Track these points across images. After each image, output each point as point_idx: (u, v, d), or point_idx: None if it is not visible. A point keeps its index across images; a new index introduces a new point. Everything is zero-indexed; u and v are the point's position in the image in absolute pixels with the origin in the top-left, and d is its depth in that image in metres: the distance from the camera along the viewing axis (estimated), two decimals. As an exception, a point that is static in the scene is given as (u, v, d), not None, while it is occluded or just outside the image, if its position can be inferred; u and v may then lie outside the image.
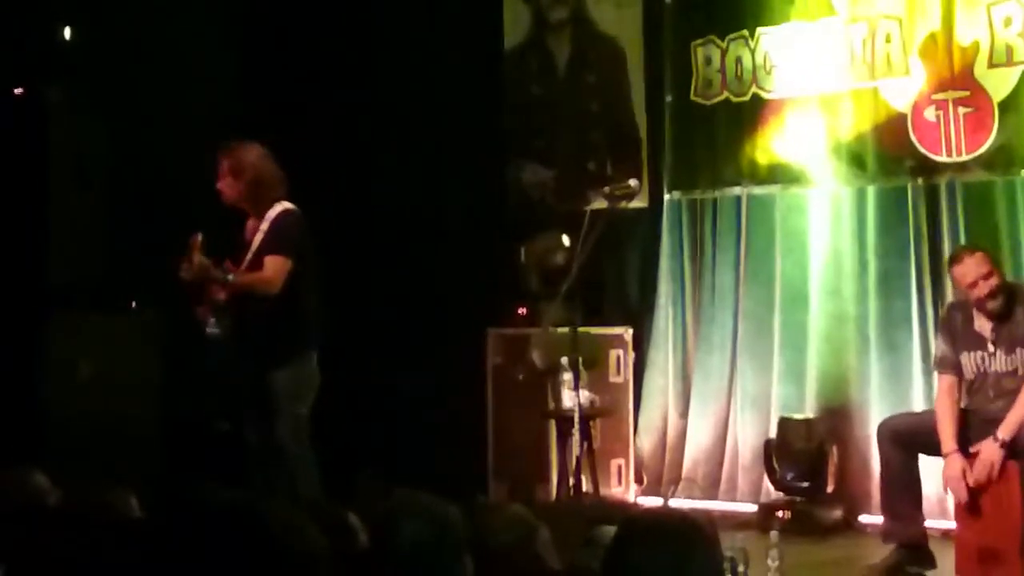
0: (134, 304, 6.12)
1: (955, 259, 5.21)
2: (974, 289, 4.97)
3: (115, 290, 6.08)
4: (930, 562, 4.99)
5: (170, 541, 2.27)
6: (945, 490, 5.13)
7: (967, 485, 4.80)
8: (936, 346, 5.42)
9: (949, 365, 5.10)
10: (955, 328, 5.14)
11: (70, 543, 2.80)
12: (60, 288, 5.97)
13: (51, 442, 5.68)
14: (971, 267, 5.00)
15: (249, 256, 4.92)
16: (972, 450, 4.85)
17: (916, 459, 5.11)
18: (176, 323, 6.01)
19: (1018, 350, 4.90)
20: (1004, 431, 4.73)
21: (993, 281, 4.96)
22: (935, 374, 5.48)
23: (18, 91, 5.99)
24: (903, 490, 5.07)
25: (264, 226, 4.89)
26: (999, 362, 4.98)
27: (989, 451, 4.75)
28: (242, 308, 4.92)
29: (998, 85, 5.66)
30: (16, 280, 5.91)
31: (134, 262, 6.10)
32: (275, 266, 4.79)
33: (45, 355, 5.92)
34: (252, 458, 5.04)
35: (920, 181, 5.94)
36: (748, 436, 6.33)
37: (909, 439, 5.11)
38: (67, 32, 6.06)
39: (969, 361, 5.05)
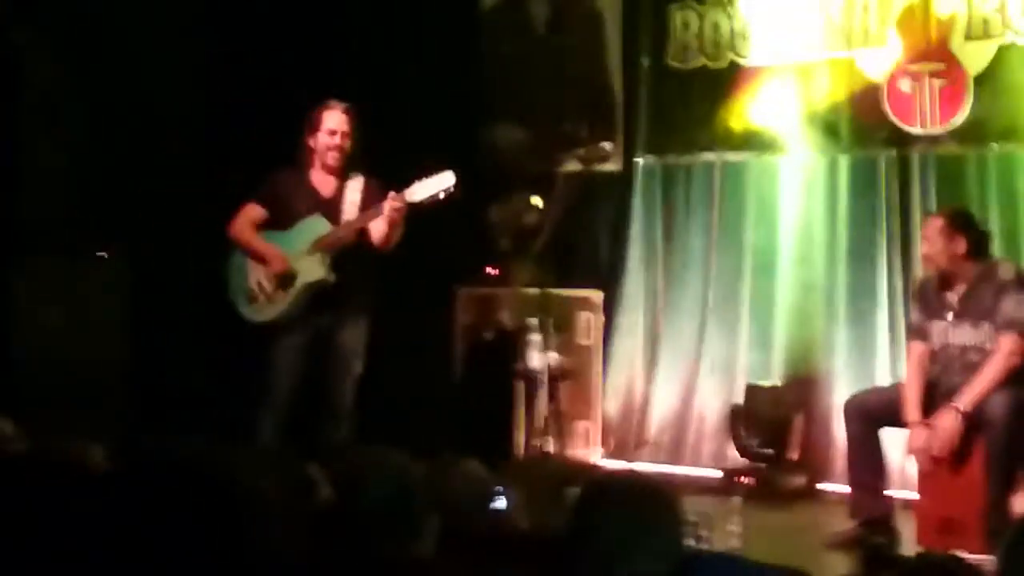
0: (103, 251, 5.97)
1: (928, 224, 5.21)
2: (937, 256, 4.96)
3: (83, 234, 5.96)
4: (894, 536, 5.02)
5: (132, 493, 2.22)
6: (908, 459, 5.17)
7: (929, 452, 4.83)
8: (911, 313, 5.46)
9: (919, 333, 5.13)
10: (927, 295, 5.16)
11: (32, 492, 2.64)
12: (29, 231, 5.85)
13: (21, 390, 5.55)
14: (934, 232, 5.02)
15: (355, 214, 5.10)
16: (935, 418, 4.85)
17: (881, 433, 5.15)
18: (143, 268, 6.06)
19: (985, 324, 4.91)
20: (962, 401, 4.78)
21: (958, 245, 4.93)
22: (901, 345, 5.56)
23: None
24: (870, 467, 5.15)
25: (357, 186, 5.11)
26: (965, 334, 4.99)
27: (947, 420, 4.78)
28: (352, 261, 5.10)
29: (974, 59, 5.68)
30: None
31: (103, 205, 6.01)
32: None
33: (13, 301, 5.79)
34: (325, 419, 5.14)
35: (893, 152, 5.96)
36: (714, 402, 6.38)
37: (876, 415, 5.17)
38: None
39: (936, 330, 5.08)
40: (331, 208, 5.21)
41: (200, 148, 6.59)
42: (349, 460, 2.94)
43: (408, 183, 5.12)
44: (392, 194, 4.98)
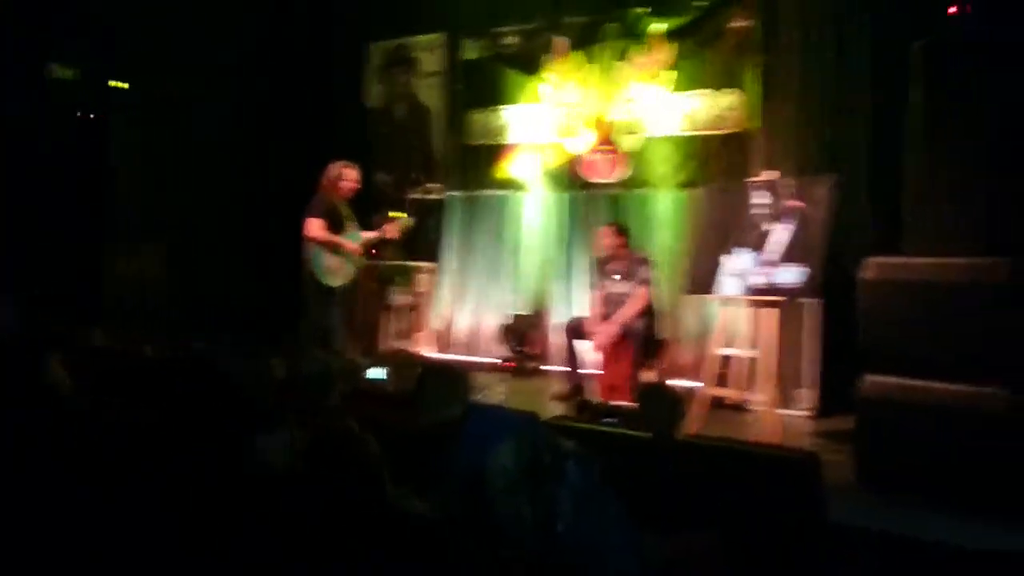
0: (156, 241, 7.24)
1: (602, 230, 6.71)
2: (607, 246, 6.54)
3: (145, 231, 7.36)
4: (585, 392, 6.42)
5: (167, 371, 2.82)
6: (594, 348, 6.52)
7: (603, 350, 6.37)
8: (593, 275, 6.77)
9: (596, 286, 6.65)
10: (601, 266, 6.64)
11: (107, 372, 3.55)
12: (112, 227, 7.25)
13: (106, 312, 7.11)
14: (607, 234, 6.61)
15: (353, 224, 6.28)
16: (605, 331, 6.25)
17: (581, 341, 6.56)
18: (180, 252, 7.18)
19: (628, 281, 6.47)
20: (617, 318, 6.35)
21: (618, 240, 6.55)
22: (592, 292, 6.80)
23: None
24: (573, 358, 6.63)
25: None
26: (620, 287, 6.55)
27: (609, 328, 6.35)
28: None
29: (628, 144, 7.65)
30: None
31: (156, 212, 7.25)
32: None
33: (106, 266, 7.13)
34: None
35: (586, 192, 7.88)
36: (491, 322, 8.27)
37: (577, 330, 6.64)
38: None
39: (606, 285, 6.57)
40: (353, 223, 6.40)
41: (224, 180, 7.88)
42: (295, 355, 3.80)
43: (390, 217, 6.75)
44: (388, 224, 6.59)
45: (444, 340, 8.47)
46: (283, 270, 7.71)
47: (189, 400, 2.52)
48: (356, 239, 6.50)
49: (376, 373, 6.05)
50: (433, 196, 8.57)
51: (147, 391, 2.80)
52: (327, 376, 3.41)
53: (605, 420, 4.27)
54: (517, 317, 7.98)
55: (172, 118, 7.70)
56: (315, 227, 6.26)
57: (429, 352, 8.22)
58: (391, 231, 6.62)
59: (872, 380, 4.61)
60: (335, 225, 6.37)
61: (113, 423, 2.62)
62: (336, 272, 6.35)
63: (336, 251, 6.33)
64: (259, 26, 8.14)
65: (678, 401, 3.87)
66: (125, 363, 3.78)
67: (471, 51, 8.53)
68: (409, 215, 7.35)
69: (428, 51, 8.72)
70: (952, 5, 4.48)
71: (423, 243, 8.15)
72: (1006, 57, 4.41)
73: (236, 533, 2.21)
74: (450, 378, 3.19)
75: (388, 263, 7.91)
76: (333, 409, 3.33)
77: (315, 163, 6.42)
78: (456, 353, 8.20)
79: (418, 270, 8.25)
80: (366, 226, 6.55)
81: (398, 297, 7.81)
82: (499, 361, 7.77)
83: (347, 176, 6.39)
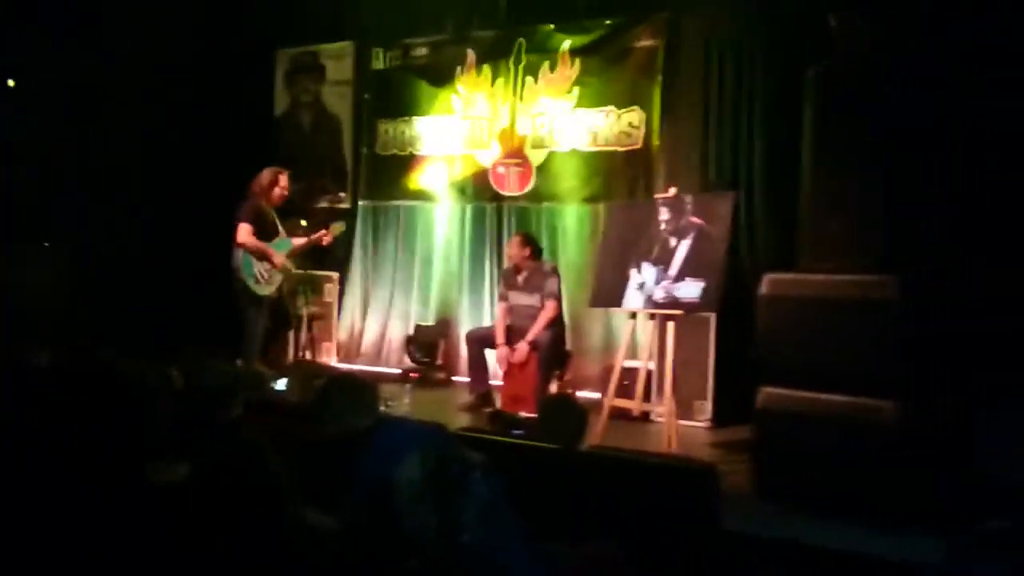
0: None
1: (510, 241, 6.87)
2: (514, 257, 6.67)
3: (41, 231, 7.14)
4: (492, 403, 6.54)
5: (61, 380, 2.50)
6: (498, 364, 6.71)
7: (508, 362, 6.48)
8: (500, 286, 6.95)
9: (503, 297, 6.80)
10: (508, 278, 6.78)
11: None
12: (9, 229, 7.14)
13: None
14: (514, 245, 6.76)
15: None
16: (514, 345, 6.47)
17: (484, 350, 6.77)
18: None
19: (535, 293, 6.62)
20: (529, 336, 6.47)
21: (525, 252, 6.68)
22: (499, 303, 6.97)
23: None
24: (479, 368, 6.80)
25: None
26: (527, 299, 6.69)
27: (523, 346, 6.45)
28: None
29: (536, 157, 7.82)
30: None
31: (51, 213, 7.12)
32: None
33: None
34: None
35: (495, 204, 8.00)
36: (397, 332, 8.37)
37: (482, 341, 6.79)
38: None
39: (513, 296, 6.71)
40: (279, 231, 6.52)
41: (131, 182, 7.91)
42: (194, 364, 3.47)
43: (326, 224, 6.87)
44: (324, 231, 6.75)
45: (350, 350, 8.59)
46: (186, 276, 7.77)
47: (85, 412, 2.37)
48: (286, 247, 6.58)
49: (281, 384, 6.08)
50: (341, 205, 8.65)
51: (41, 402, 2.58)
52: (229, 387, 3.36)
53: (514, 432, 4.32)
54: (423, 327, 8.10)
55: (72, 119, 7.68)
56: (243, 232, 6.32)
57: (334, 363, 8.31)
58: (326, 238, 6.73)
59: (768, 392, 4.74)
60: (265, 232, 6.43)
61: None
62: (264, 280, 6.44)
63: (263, 258, 6.40)
64: (166, 27, 8.15)
65: (582, 413, 3.91)
66: (15, 369, 3.46)
67: (381, 61, 8.61)
68: (311, 223, 7.34)
69: (336, 59, 8.79)
70: (843, 33, 4.62)
71: (330, 253, 8.01)
72: (893, 81, 4.61)
73: (132, 546, 2.15)
74: (356, 389, 3.19)
75: (294, 272, 7.64)
76: (235, 421, 3.30)
77: (221, 168, 6.54)
78: (362, 363, 8.31)
79: (325, 280, 8.29)
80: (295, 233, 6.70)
81: (304, 307, 7.61)
82: (405, 371, 7.84)
83: (280, 182, 6.49)
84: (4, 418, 2.50)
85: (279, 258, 6.49)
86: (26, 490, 2.19)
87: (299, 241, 6.67)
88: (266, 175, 6.49)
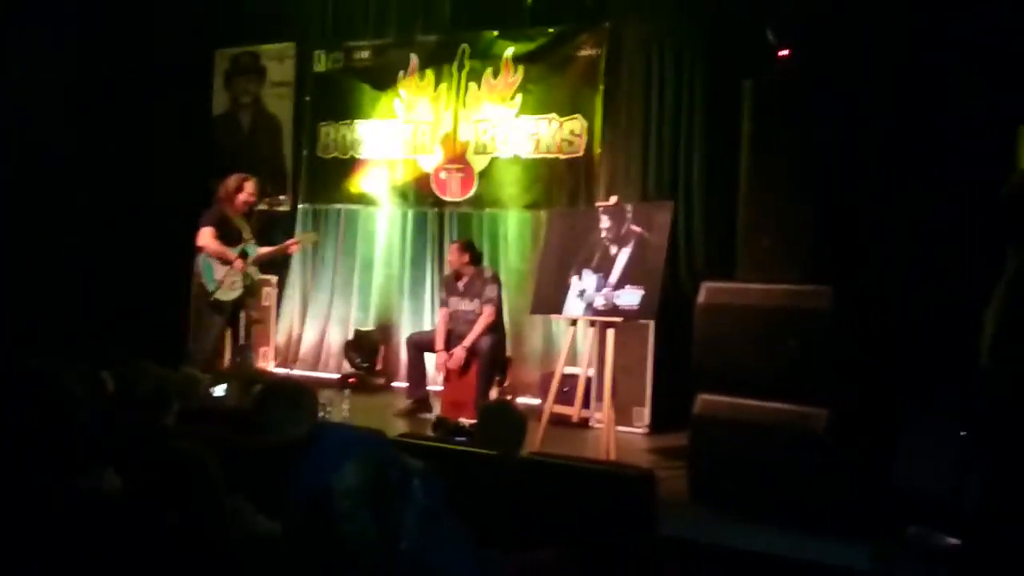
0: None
1: (450, 248, 6.94)
2: (454, 263, 6.76)
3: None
4: (429, 408, 6.65)
5: None
6: (436, 369, 6.89)
7: (447, 368, 6.57)
8: (440, 292, 6.99)
9: (443, 303, 6.82)
10: (449, 284, 6.85)
11: None
12: None
13: None
14: (454, 251, 6.87)
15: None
16: (451, 351, 6.54)
17: (424, 354, 6.81)
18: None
19: (475, 300, 6.66)
20: (466, 342, 6.54)
21: (464, 258, 6.74)
22: (436, 309, 7.18)
23: None
24: (417, 372, 6.81)
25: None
26: (467, 305, 6.75)
27: (459, 351, 6.51)
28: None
29: (478, 163, 7.88)
30: None
31: None
32: None
33: None
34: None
35: (436, 209, 8.02)
36: (336, 337, 8.33)
37: (422, 346, 6.84)
38: None
39: (452, 302, 6.75)
40: (250, 237, 6.50)
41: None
42: (127, 368, 3.44)
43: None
44: (292, 240, 6.93)
45: (287, 355, 8.58)
46: (124, 277, 7.73)
47: (9, 419, 2.36)
48: (252, 253, 6.58)
49: (219, 390, 6.03)
50: (281, 208, 8.62)
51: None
52: (163, 393, 3.34)
53: (457, 439, 4.32)
54: (363, 332, 8.10)
55: (2, 117, 7.60)
56: (204, 236, 6.32)
57: (272, 367, 8.28)
58: (293, 248, 6.87)
59: (704, 399, 4.81)
60: (228, 237, 6.41)
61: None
62: (225, 285, 6.44)
63: (224, 262, 6.40)
64: (103, 25, 8.11)
65: (522, 419, 3.94)
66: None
67: (323, 63, 8.61)
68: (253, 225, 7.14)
69: (277, 60, 8.77)
70: (781, 48, 4.72)
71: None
72: (827, 95, 4.71)
73: (66, 557, 2.14)
74: (295, 396, 3.20)
75: (257, 279, 7.52)
76: (169, 428, 3.27)
77: (156, 168, 6.37)
78: (300, 369, 8.35)
79: (263, 284, 8.16)
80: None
81: (242, 311, 7.28)
82: (344, 377, 7.82)
83: (246, 188, 6.47)
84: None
85: (239, 262, 6.49)
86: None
87: (265, 249, 6.69)
88: (232, 181, 6.49)
